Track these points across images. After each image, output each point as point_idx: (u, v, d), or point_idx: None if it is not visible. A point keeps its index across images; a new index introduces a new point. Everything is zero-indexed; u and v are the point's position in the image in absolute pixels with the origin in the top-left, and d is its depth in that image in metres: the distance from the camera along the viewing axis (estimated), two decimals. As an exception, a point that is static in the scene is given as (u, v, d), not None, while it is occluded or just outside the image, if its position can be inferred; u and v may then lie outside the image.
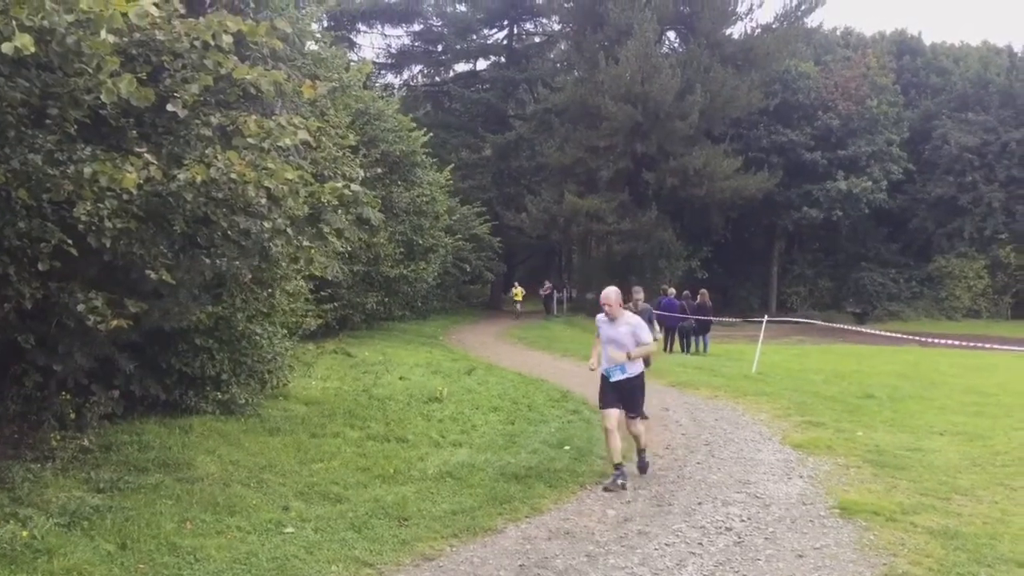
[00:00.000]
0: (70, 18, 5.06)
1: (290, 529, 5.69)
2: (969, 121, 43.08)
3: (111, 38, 5.30)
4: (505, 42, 45.65)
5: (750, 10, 53.73)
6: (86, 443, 6.80)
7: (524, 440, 8.96)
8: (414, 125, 23.94)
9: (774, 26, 38.86)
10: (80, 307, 6.11)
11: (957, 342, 19.78)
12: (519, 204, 39.23)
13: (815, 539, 6.09)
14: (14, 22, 4.78)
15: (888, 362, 20.01)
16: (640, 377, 7.88)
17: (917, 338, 19.00)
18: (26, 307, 6.18)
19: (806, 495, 7.27)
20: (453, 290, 33.04)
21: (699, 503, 7.02)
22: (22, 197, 5.63)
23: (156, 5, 5.29)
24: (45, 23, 4.97)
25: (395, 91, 37.66)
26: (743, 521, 6.52)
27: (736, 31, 39.57)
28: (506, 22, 45.05)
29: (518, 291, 37.45)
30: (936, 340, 18.92)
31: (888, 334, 20.17)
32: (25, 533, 4.91)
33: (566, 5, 40.69)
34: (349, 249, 13.35)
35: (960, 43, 49.09)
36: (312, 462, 7.50)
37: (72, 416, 7.10)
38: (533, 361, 18.53)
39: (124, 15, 5.08)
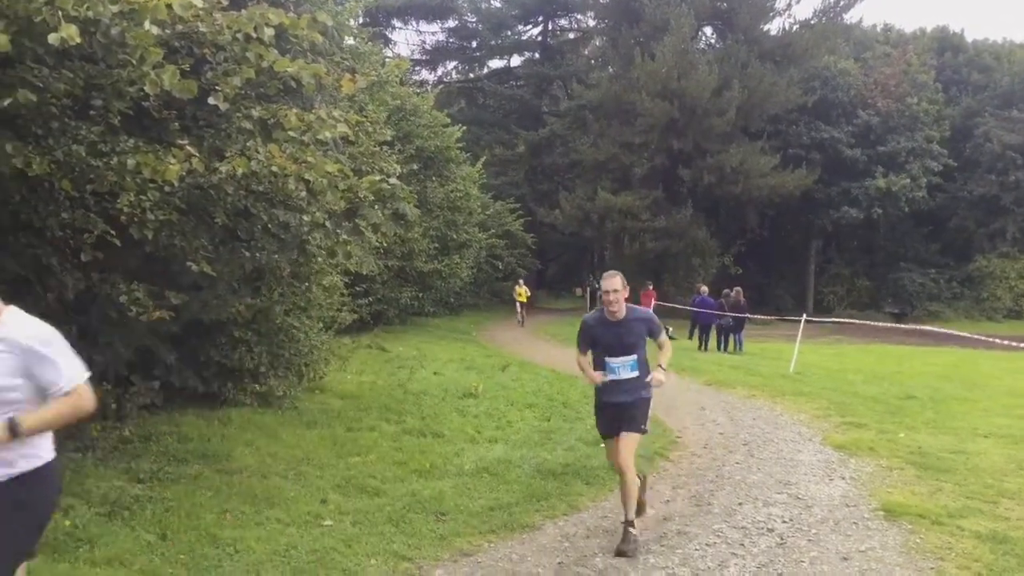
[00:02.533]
0: (115, 8, 5.06)
1: (329, 522, 5.68)
2: (1013, 119, 42.15)
3: (155, 29, 5.30)
4: (539, 38, 45.56)
5: (788, 6, 53.18)
6: (126, 433, 6.86)
7: (560, 437, 8.90)
8: (448, 121, 23.96)
9: (813, 22, 38.33)
10: (122, 298, 6.15)
11: (999, 340, 19.35)
12: (552, 201, 39.11)
13: (860, 542, 5.96)
14: (60, 12, 4.80)
15: (928, 363, 19.66)
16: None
17: (965, 335, 18.54)
18: (68, 297, 6.24)
19: (849, 497, 7.12)
20: (486, 287, 33.02)
21: (739, 503, 6.90)
22: (65, 188, 5.66)
23: (203, -3, 5.26)
24: (90, 14, 4.97)
25: (429, 87, 37.74)
26: (785, 522, 6.40)
27: (774, 27, 39.17)
28: (541, 18, 44.96)
29: (521, 290, 29.07)
30: (978, 338, 18.48)
31: (931, 329, 19.81)
32: (67, 522, 4.94)
33: (601, 1, 40.50)
34: (384, 244, 13.37)
35: (1004, 40, 48.13)
36: (349, 455, 7.49)
37: (112, 406, 7.14)
38: (566, 358, 18.36)
39: (168, 6, 5.09)
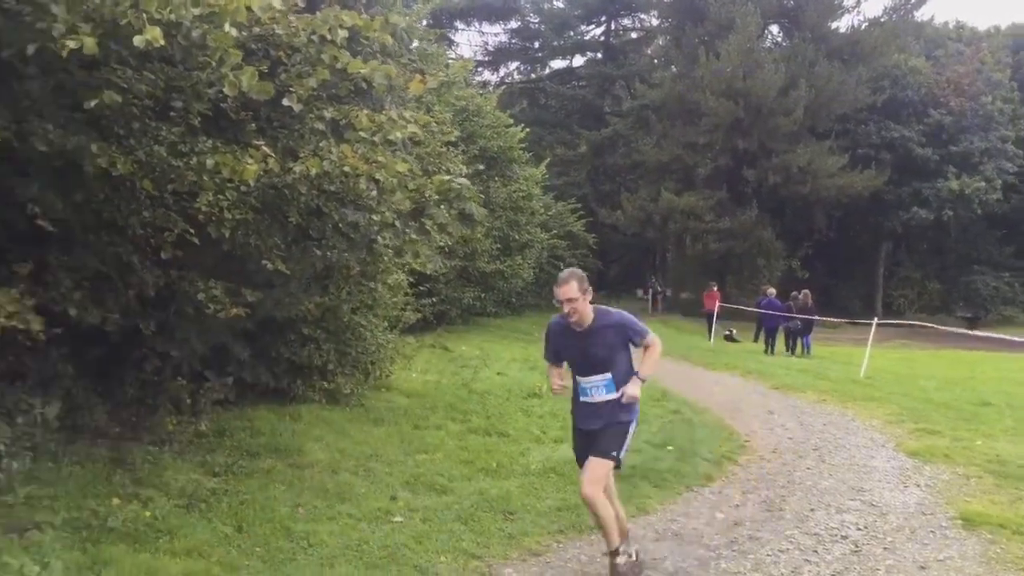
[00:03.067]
0: (196, 11, 5.16)
1: (398, 518, 5.73)
2: (1093, 118, 40.66)
3: (234, 32, 5.40)
4: (602, 38, 45.39)
5: (857, 3, 51.69)
6: (202, 428, 7.01)
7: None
8: (511, 121, 23.98)
9: (882, 19, 37.47)
10: (200, 295, 6.29)
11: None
12: (614, 201, 38.89)
13: (937, 551, 5.80)
14: (144, 15, 4.93)
15: (1001, 369, 19.04)
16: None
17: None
18: (148, 294, 6.39)
19: (925, 504, 6.94)
20: (547, 287, 32.92)
21: (812, 509, 6.77)
22: (147, 187, 5.80)
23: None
24: (173, 16, 5.08)
25: (492, 88, 37.83)
26: (859, 529, 6.26)
27: (842, 24, 38.43)
28: (603, 18, 44.80)
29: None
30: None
31: (1004, 337, 19.21)
32: (148, 513, 5.08)
33: (665, 0, 40.15)
34: (448, 244, 13.44)
35: (1084, 36, 46.35)
36: (416, 453, 7.55)
37: (187, 401, 7.32)
38: (629, 359, 18.32)
39: (248, 9, 5.18)
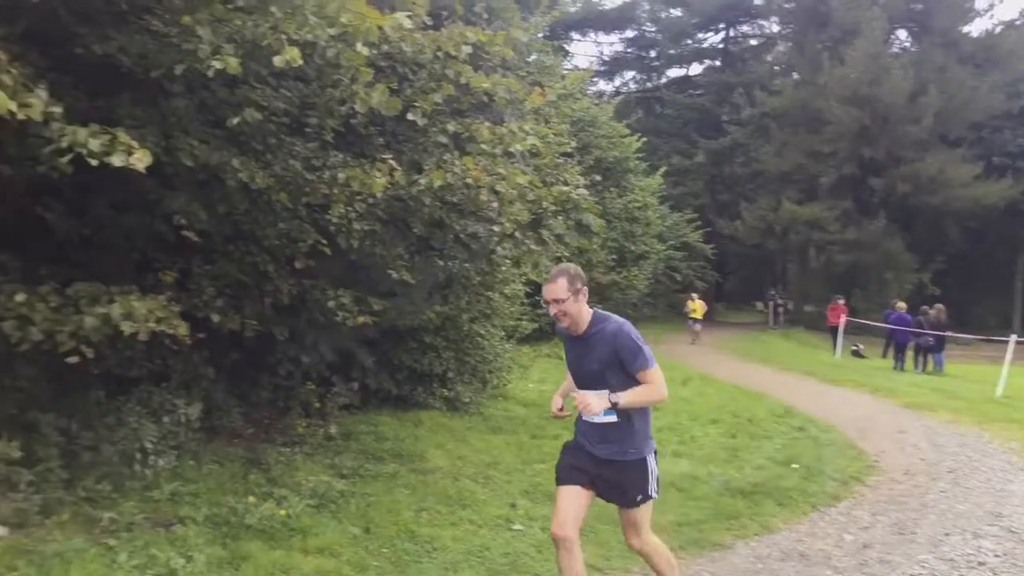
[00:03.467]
0: (332, 31, 5.40)
1: (518, 526, 5.79)
2: None
3: (365, 51, 5.62)
4: (720, 45, 44.68)
5: (991, 6, 49.31)
6: (330, 431, 7.27)
7: (747, 455, 8.65)
8: (627, 131, 23.88)
9: (1018, 23, 35.56)
10: (330, 303, 6.54)
11: None
12: (733, 211, 38.12)
13: (1085, 583, 5.45)
14: (283, 36, 5.19)
15: None
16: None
17: None
18: (283, 302, 6.69)
19: (1071, 534, 6.52)
20: (663, 299, 32.60)
21: (946, 534, 6.46)
22: (282, 200, 6.08)
23: (408, 17, 5.53)
24: (309, 37, 5.34)
25: (607, 97, 37.77)
26: (998, 556, 5.93)
27: (974, 28, 36.63)
28: (722, 25, 44.08)
29: (695, 304, 26.34)
30: None
31: None
32: (282, 512, 5.30)
33: (786, 5, 39.23)
34: (566, 255, 13.50)
35: None
36: (534, 462, 7.60)
37: (316, 405, 7.61)
38: (750, 374, 17.90)
39: (380, 28, 5.38)
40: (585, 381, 4.04)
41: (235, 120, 5.55)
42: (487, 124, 7.16)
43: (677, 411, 11.06)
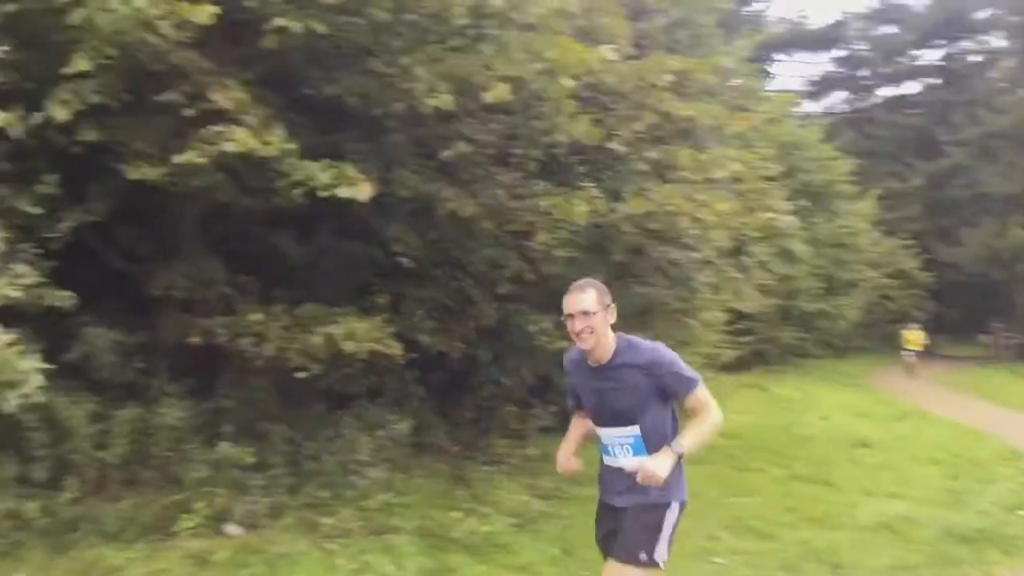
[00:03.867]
0: (537, 67, 5.63)
1: (720, 560, 5.68)
2: None
3: (570, 83, 5.82)
4: (940, 63, 41.95)
5: None
6: (529, 452, 7.46)
7: (970, 498, 8.01)
8: (836, 154, 22.92)
9: None
10: (531, 327, 6.74)
11: None
12: (953, 238, 35.51)
13: None
14: (493, 73, 5.46)
15: None
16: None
17: None
18: (486, 326, 6.97)
19: None
20: (876, 329, 30.81)
21: None
22: (488, 228, 6.37)
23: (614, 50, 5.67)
24: (516, 72, 5.58)
25: (814, 119, 36.44)
26: None
27: None
28: (941, 41, 41.40)
29: (912, 335, 23.33)
30: None
31: None
32: (486, 528, 5.51)
33: (1012, 19, 36.30)
34: (769, 282, 13.13)
35: None
36: (736, 495, 7.43)
37: (515, 427, 7.83)
38: (972, 411, 16.54)
39: (584, 61, 5.55)
40: (608, 421, 3.34)
41: (447, 153, 5.90)
42: (688, 151, 7.16)
43: (890, 448, 10.44)
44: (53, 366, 4.69)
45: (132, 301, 6.05)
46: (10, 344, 4.35)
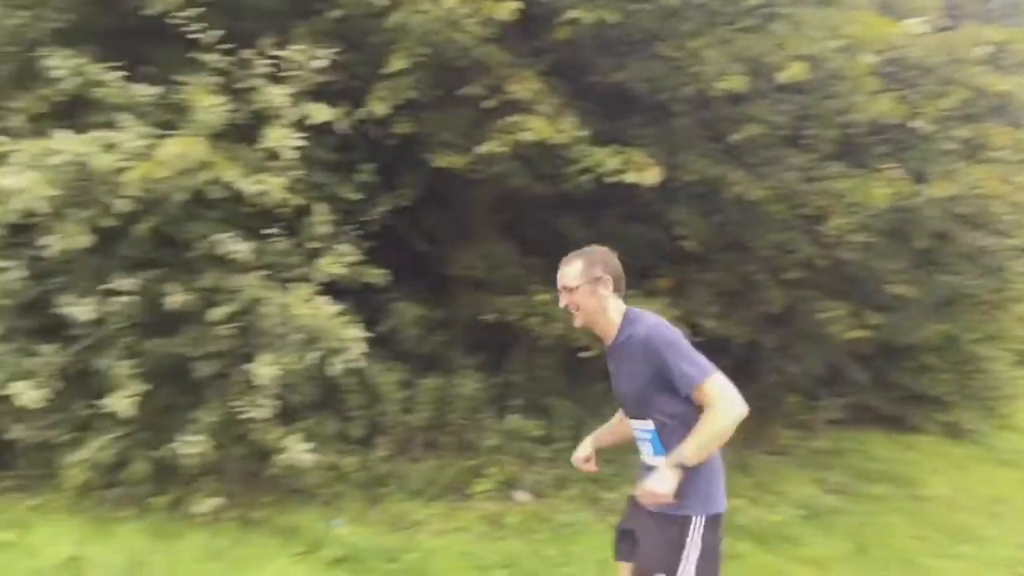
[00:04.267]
0: (835, 44, 5.38)
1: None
2: None
3: (869, 59, 5.50)
4: None
5: None
6: (817, 445, 7.20)
7: None
8: None
9: None
10: (821, 315, 6.47)
11: None
12: None
13: None
14: (787, 52, 5.29)
15: None
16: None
17: None
18: (772, 311, 6.78)
19: None
20: None
21: None
22: (777, 212, 6.18)
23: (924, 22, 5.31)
24: (812, 50, 5.37)
25: None
26: None
27: None
28: None
29: None
30: None
31: None
32: (774, 518, 5.42)
33: None
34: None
35: None
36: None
37: (801, 417, 7.57)
38: None
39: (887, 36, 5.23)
40: (628, 410, 2.88)
41: (737, 136, 5.80)
42: (1004, 129, 6.53)
43: None
44: (371, 335, 5.17)
45: (432, 280, 6.53)
46: (337, 314, 4.85)
